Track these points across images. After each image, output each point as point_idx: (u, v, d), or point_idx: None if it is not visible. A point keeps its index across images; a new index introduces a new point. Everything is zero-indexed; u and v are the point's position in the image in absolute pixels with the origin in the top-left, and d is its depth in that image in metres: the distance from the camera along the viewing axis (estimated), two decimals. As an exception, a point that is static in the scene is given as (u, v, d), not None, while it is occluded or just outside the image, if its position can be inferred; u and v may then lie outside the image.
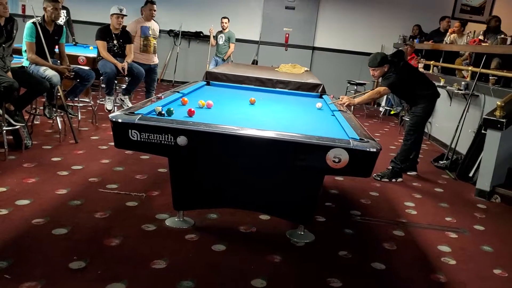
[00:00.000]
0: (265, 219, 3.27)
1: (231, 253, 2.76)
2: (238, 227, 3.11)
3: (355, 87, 8.61)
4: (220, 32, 8.56)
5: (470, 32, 7.70)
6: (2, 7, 3.93)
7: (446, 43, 7.86)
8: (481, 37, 7.07)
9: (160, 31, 6.78)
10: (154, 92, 6.20)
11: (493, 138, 4.27)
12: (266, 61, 9.32)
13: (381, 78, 4.53)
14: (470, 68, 5.99)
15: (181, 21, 9.49)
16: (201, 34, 10.14)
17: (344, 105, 4.12)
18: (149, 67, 6.16)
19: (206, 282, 2.41)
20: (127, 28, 5.99)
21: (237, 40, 8.77)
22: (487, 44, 6.63)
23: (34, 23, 4.57)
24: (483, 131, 4.51)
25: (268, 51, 10.13)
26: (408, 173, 4.82)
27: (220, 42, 8.54)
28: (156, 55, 6.40)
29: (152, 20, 6.27)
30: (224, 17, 8.50)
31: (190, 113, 2.91)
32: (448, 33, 8.03)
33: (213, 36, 8.62)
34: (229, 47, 8.52)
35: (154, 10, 6.20)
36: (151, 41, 6.19)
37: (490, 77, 5.39)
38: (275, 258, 2.73)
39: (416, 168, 4.92)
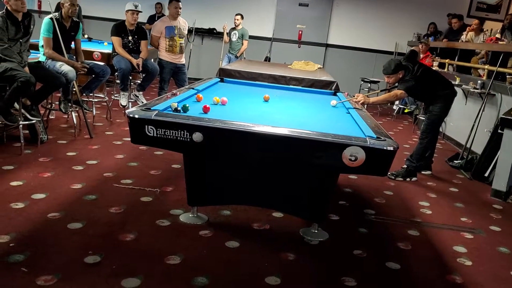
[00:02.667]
0: (279, 216, 3.26)
1: (244, 250, 2.75)
2: (252, 224, 3.11)
3: (369, 84, 8.56)
4: (233, 29, 8.54)
5: (487, 30, 7.61)
6: (20, 2, 3.96)
7: (462, 41, 7.77)
8: (498, 36, 6.97)
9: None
10: None
11: (510, 138, 4.21)
12: (279, 58, 9.29)
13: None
14: (486, 66, 5.91)
15: (195, 17, 9.49)
16: (214, 31, 10.14)
17: (359, 103, 4.09)
18: (175, 66, 6.00)
19: (220, 279, 2.41)
20: (152, 29, 5.94)
21: (250, 37, 8.75)
22: (504, 42, 6.54)
23: (51, 18, 4.60)
24: (499, 131, 4.44)
25: (281, 48, 10.10)
26: (423, 172, 4.78)
27: (233, 39, 8.52)
28: (183, 54, 6.16)
29: (179, 18, 6.03)
30: (238, 14, 8.48)
31: (205, 110, 2.91)
32: (466, 31, 7.93)
33: (227, 33, 8.61)
34: (242, 44, 8.50)
35: (180, 8, 5.94)
36: (176, 41, 5.94)
37: (507, 76, 5.32)
38: (289, 256, 2.72)
39: (431, 167, 4.88)
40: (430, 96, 4.58)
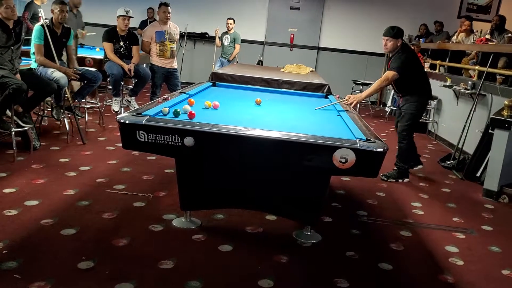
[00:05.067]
0: (272, 219, 3.27)
1: (238, 253, 2.76)
2: (245, 228, 3.12)
3: (361, 87, 8.60)
4: (226, 33, 8.57)
5: (477, 31, 7.67)
6: (10, 10, 3.96)
7: (453, 42, 7.83)
8: (488, 36, 7.04)
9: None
10: None
11: (500, 137, 4.25)
12: (271, 62, 9.33)
13: (390, 59, 4.44)
14: (477, 67, 5.97)
15: (187, 22, 9.52)
16: (207, 35, 10.17)
17: (352, 105, 4.11)
18: (166, 70, 5.99)
19: (213, 283, 2.42)
20: (143, 35, 5.96)
21: (242, 41, 8.79)
22: (494, 43, 6.60)
23: (42, 25, 4.60)
24: (490, 131, 4.49)
25: (273, 51, 10.14)
26: (415, 168, 4.79)
27: (226, 43, 8.55)
28: (175, 59, 6.14)
29: (170, 22, 6.04)
30: (230, 18, 8.51)
31: (191, 116, 2.85)
32: (456, 32, 7.99)
33: (219, 37, 8.63)
34: (234, 48, 8.53)
35: (169, 12, 5.94)
36: (167, 46, 5.94)
37: (497, 76, 5.37)
38: (282, 258, 2.74)
39: (420, 160, 4.88)
40: (410, 86, 4.47)
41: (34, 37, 4.61)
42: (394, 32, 4.33)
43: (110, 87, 5.75)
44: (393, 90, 6.69)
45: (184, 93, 3.75)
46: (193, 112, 2.90)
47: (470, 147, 5.20)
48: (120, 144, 2.70)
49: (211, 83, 4.69)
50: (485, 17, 9.73)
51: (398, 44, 4.37)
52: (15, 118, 4.10)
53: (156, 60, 5.94)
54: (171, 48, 5.99)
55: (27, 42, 4.80)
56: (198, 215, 3.14)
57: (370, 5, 10.07)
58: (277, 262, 2.70)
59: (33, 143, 4.31)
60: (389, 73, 4.35)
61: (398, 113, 4.77)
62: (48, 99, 4.85)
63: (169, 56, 5.98)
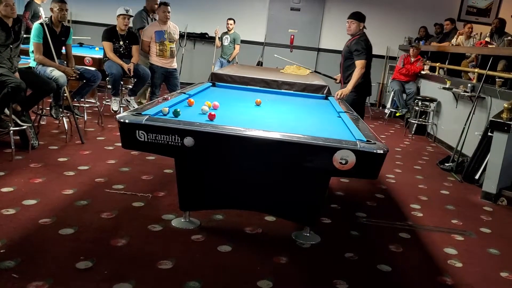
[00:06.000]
0: (271, 220, 3.27)
1: (237, 254, 2.76)
2: (244, 228, 3.11)
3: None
4: (225, 33, 8.57)
5: (477, 34, 7.69)
6: (10, 8, 3.96)
7: (453, 45, 7.84)
8: (487, 39, 7.05)
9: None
10: None
11: (499, 140, 4.25)
12: (271, 63, 9.32)
13: (352, 45, 4.61)
14: (476, 70, 5.97)
15: (186, 22, 9.51)
16: (206, 36, 10.15)
17: (343, 96, 4.40)
18: (166, 70, 5.99)
19: (212, 283, 2.41)
20: (142, 35, 5.96)
21: (242, 41, 8.78)
22: (493, 46, 6.61)
23: (41, 24, 4.59)
24: (489, 134, 4.49)
25: (273, 52, 10.10)
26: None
27: (225, 43, 8.55)
28: (175, 59, 6.14)
29: (170, 22, 6.04)
30: (230, 19, 8.51)
31: (211, 117, 2.88)
32: (456, 35, 8.01)
33: (218, 38, 8.63)
34: (234, 48, 8.53)
35: (168, 12, 5.93)
36: (166, 46, 5.93)
37: (496, 79, 5.37)
38: (281, 259, 2.73)
39: None
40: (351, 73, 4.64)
41: (33, 35, 4.60)
42: (359, 16, 4.65)
43: (109, 86, 5.74)
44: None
45: (184, 93, 3.75)
46: (213, 113, 2.90)
47: (469, 150, 5.20)
48: (119, 144, 2.70)
49: (211, 84, 4.69)
50: (485, 20, 9.74)
51: (361, 28, 4.64)
52: (13, 117, 4.09)
53: (156, 60, 5.93)
54: (170, 48, 5.97)
55: (26, 41, 4.79)
56: (197, 216, 3.14)
57: (370, 7, 10.03)
58: (276, 263, 2.69)
59: (32, 142, 4.29)
60: (360, 62, 4.54)
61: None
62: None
63: (168, 56, 5.97)
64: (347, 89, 4.51)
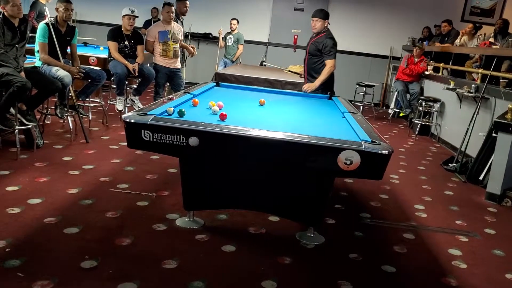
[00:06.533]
0: (275, 220, 3.27)
1: (241, 254, 2.76)
2: (248, 228, 3.11)
3: (364, 88, 8.59)
4: (229, 33, 8.58)
5: (481, 34, 7.67)
6: (17, 8, 3.97)
7: (456, 45, 7.82)
8: (491, 40, 7.03)
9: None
10: None
11: (504, 141, 4.24)
12: (275, 63, 9.31)
13: (322, 47, 4.68)
14: (480, 70, 5.96)
15: (190, 22, 9.52)
16: (210, 36, 10.16)
17: (309, 90, 4.61)
18: (170, 70, 5.99)
19: (216, 283, 2.42)
20: (147, 34, 5.97)
21: (246, 41, 8.79)
22: (497, 46, 6.60)
23: (47, 23, 4.61)
24: (494, 134, 4.48)
25: (277, 52, 10.13)
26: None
27: (229, 43, 8.55)
28: (178, 59, 6.13)
29: (174, 23, 6.03)
30: (233, 19, 8.52)
31: (222, 117, 2.90)
32: (460, 35, 7.99)
33: (222, 38, 8.63)
34: (237, 48, 8.54)
35: (172, 12, 5.93)
36: (170, 46, 5.92)
37: (500, 80, 5.36)
38: (285, 259, 2.73)
39: None
40: (319, 71, 4.74)
41: (38, 35, 4.62)
42: (323, 14, 4.71)
43: (114, 86, 5.75)
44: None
45: (188, 93, 3.75)
46: (224, 113, 2.90)
47: (473, 150, 5.19)
48: (124, 143, 2.71)
49: (215, 84, 4.69)
50: (488, 20, 9.71)
51: (325, 25, 4.72)
52: (18, 116, 4.11)
53: (159, 60, 5.94)
54: (174, 48, 5.98)
55: (32, 40, 4.81)
56: (201, 215, 3.14)
57: (373, 8, 10.06)
58: (281, 263, 2.70)
59: (37, 141, 4.31)
60: (330, 61, 4.67)
61: None
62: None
63: (172, 56, 5.97)
64: (314, 84, 4.67)
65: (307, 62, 4.90)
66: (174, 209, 3.26)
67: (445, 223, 3.67)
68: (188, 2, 6.36)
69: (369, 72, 9.90)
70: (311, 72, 4.86)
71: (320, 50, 4.69)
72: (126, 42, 5.71)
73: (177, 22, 6.22)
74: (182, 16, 6.51)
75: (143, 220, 3.05)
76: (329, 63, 4.67)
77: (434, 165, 5.47)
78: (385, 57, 10.05)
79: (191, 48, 6.46)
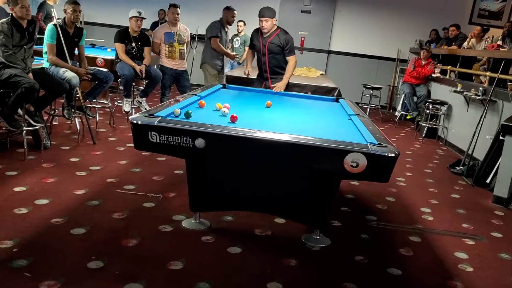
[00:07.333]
0: (281, 222, 3.27)
1: (246, 255, 2.77)
2: (254, 230, 3.12)
3: (371, 91, 8.57)
4: (236, 35, 8.59)
5: (489, 37, 7.63)
6: (25, 9, 4.01)
7: (464, 48, 7.79)
8: (499, 43, 6.99)
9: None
10: None
11: (511, 144, 4.21)
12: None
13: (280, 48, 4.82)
14: (488, 73, 5.93)
15: (197, 24, 9.55)
16: (217, 38, 10.15)
17: (282, 89, 4.70)
18: (175, 72, 6.00)
19: (222, 284, 2.42)
20: (153, 36, 6.00)
21: (253, 43, 8.77)
22: (505, 49, 6.56)
23: (55, 25, 4.64)
24: (501, 137, 4.45)
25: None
26: None
27: (236, 45, 8.57)
28: (185, 61, 6.15)
29: (180, 24, 6.05)
30: (240, 21, 8.53)
31: (233, 120, 2.91)
32: (468, 38, 7.95)
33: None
34: (244, 50, 8.54)
35: (177, 14, 5.94)
36: (176, 47, 5.94)
37: (508, 83, 5.33)
38: (290, 262, 2.73)
39: None
40: (284, 66, 4.90)
41: (46, 36, 4.65)
42: (272, 12, 4.78)
43: (121, 87, 5.78)
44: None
45: (195, 95, 3.77)
46: (235, 115, 2.91)
47: (480, 153, 5.16)
48: (131, 144, 2.72)
49: (221, 85, 4.70)
50: (497, 23, 9.66)
51: (274, 23, 4.82)
52: (26, 117, 4.14)
53: (165, 61, 5.96)
54: (179, 49, 6.00)
55: (40, 42, 4.84)
56: (207, 217, 3.15)
57: (381, 10, 10.04)
58: (286, 265, 2.70)
59: (44, 142, 4.34)
60: (294, 57, 4.86)
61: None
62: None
63: (177, 57, 5.99)
64: (284, 83, 4.80)
65: (268, 62, 4.97)
66: (180, 211, 3.27)
67: (452, 226, 3.66)
68: (236, 12, 6.28)
69: (376, 75, 9.88)
70: (275, 69, 4.98)
71: (283, 47, 4.82)
72: (133, 44, 5.74)
73: (224, 29, 6.28)
74: (228, 26, 6.47)
75: (150, 221, 3.06)
76: (292, 59, 4.86)
77: (441, 168, 5.45)
78: (392, 59, 10.03)
79: (232, 54, 6.68)
